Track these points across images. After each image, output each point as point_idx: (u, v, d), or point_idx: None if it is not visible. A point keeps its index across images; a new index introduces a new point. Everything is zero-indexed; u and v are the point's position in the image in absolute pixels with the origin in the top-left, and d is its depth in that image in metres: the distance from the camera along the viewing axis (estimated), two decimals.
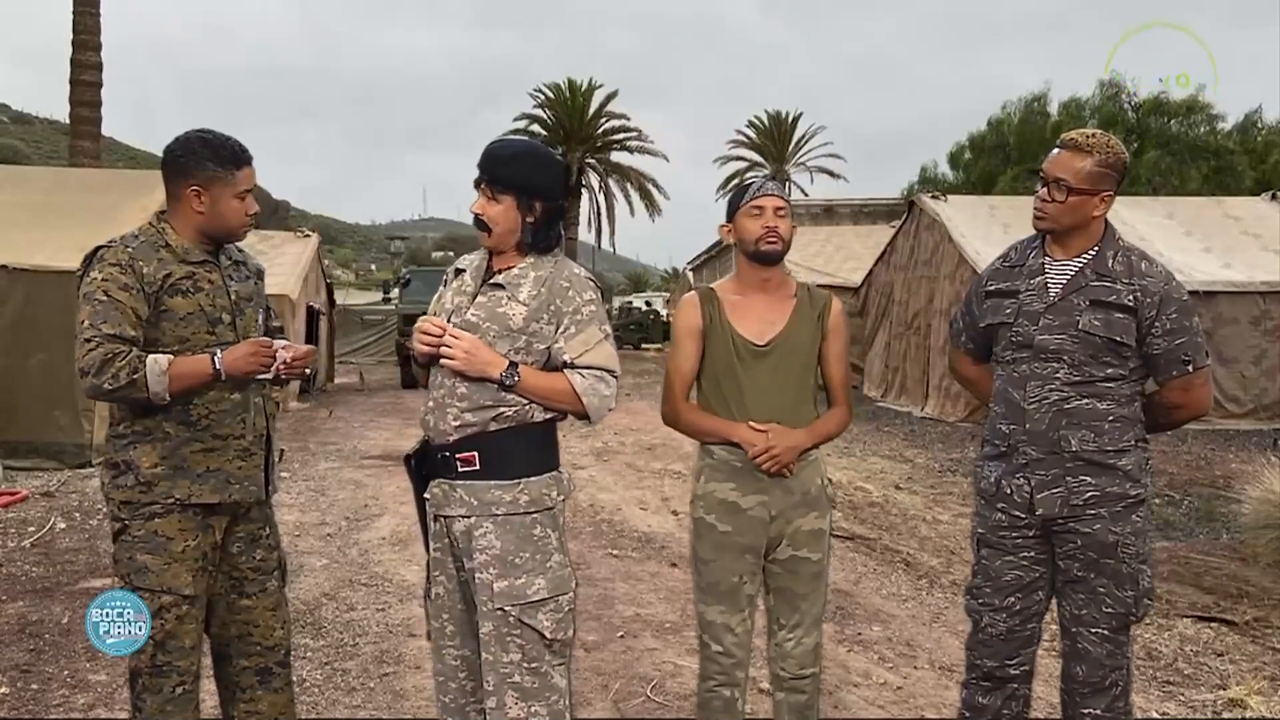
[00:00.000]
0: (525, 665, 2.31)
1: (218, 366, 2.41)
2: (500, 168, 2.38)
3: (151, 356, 2.35)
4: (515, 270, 2.41)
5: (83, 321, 2.35)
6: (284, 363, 2.47)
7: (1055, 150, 2.56)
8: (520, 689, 2.31)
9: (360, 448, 9.83)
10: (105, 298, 2.37)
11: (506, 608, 2.30)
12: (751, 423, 2.61)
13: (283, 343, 2.53)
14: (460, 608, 2.42)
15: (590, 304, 2.39)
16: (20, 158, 40.84)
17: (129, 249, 2.45)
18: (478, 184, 2.41)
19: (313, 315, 14.42)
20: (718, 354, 2.68)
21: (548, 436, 2.42)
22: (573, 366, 2.36)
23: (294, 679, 2.80)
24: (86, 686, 3.68)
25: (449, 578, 2.44)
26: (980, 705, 2.68)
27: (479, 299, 2.41)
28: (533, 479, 2.35)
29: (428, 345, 2.36)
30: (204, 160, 2.49)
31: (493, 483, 2.33)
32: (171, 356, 2.38)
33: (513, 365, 2.31)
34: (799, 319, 2.69)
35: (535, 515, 2.34)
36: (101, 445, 7.60)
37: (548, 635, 2.31)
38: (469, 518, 2.35)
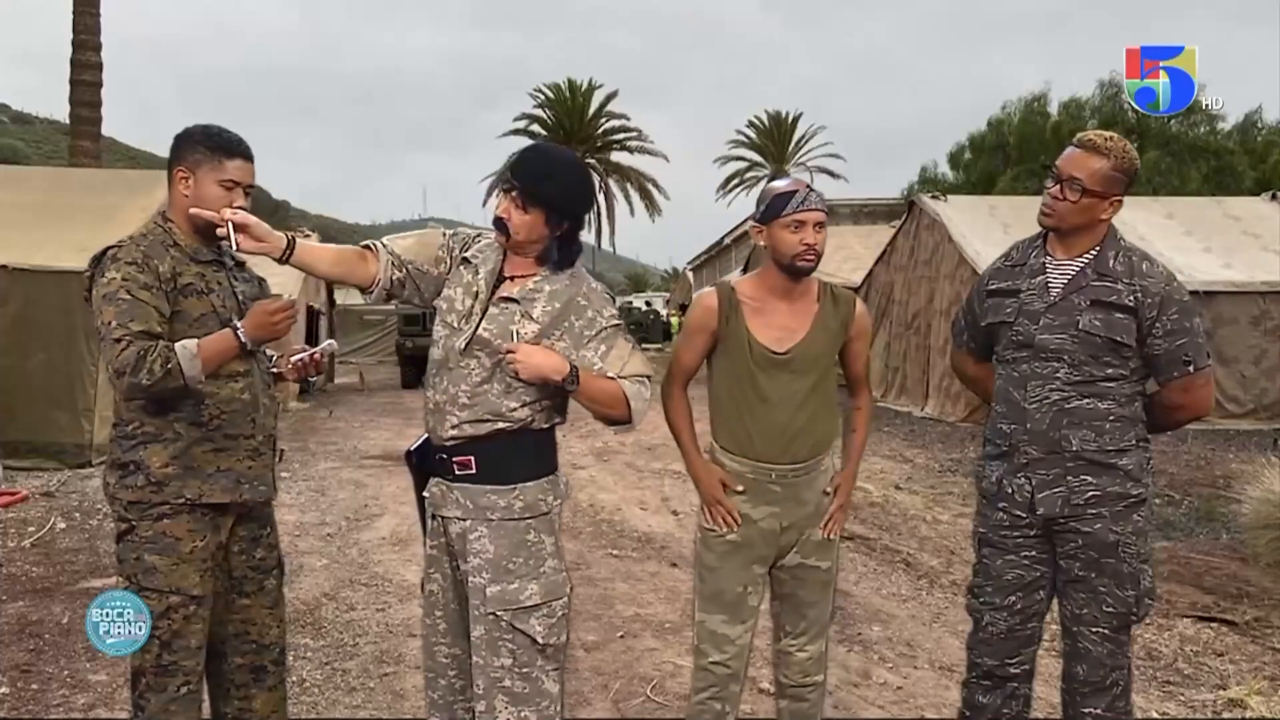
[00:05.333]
0: (516, 670, 2.30)
1: (242, 339, 2.42)
2: (538, 182, 2.30)
3: (179, 343, 2.35)
4: (530, 285, 2.36)
5: (109, 322, 2.33)
6: (308, 361, 2.61)
7: (1071, 148, 2.53)
8: (510, 693, 2.30)
9: (360, 448, 9.84)
10: (129, 297, 2.35)
11: (499, 612, 2.30)
12: (723, 480, 2.61)
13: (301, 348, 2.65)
14: (454, 606, 2.41)
15: (614, 318, 2.39)
16: (20, 158, 40.80)
17: (141, 248, 2.43)
18: (507, 189, 2.33)
19: (313, 315, 14.44)
20: (736, 360, 2.61)
21: (545, 441, 2.40)
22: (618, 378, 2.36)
23: (294, 679, 2.80)
24: (86, 686, 3.68)
25: (444, 576, 2.43)
26: (980, 704, 2.68)
27: (491, 311, 2.35)
28: (529, 484, 2.34)
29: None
30: (196, 145, 2.49)
31: (488, 487, 2.32)
32: (197, 340, 2.38)
33: (574, 370, 2.30)
34: (820, 327, 2.62)
35: (530, 521, 2.33)
36: (102, 445, 7.65)
37: (540, 640, 2.31)
38: (464, 520, 2.34)
